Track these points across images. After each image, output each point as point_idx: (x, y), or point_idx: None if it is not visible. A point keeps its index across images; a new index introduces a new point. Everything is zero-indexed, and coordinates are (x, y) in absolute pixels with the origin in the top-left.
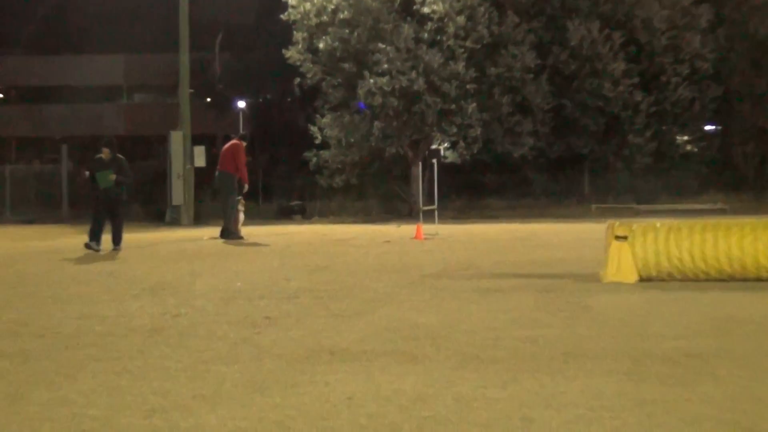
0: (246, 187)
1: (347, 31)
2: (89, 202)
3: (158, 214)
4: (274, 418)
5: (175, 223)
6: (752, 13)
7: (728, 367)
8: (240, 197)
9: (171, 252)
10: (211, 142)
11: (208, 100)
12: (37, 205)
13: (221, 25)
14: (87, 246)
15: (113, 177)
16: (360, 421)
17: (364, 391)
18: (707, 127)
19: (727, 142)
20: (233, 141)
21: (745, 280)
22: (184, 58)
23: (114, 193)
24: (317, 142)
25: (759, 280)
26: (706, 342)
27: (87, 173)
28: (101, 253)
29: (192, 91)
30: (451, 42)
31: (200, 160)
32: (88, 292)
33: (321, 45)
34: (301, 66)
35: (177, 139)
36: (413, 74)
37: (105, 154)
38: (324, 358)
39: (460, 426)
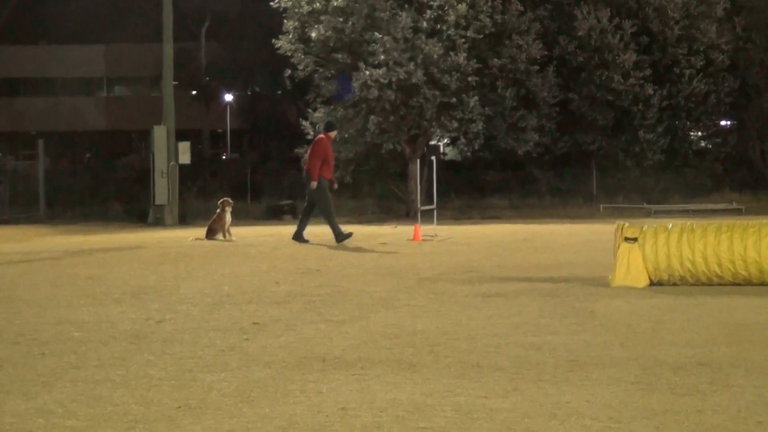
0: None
1: (341, 19)
2: (68, 202)
3: (140, 214)
4: (263, 429)
5: (159, 223)
6: None
7: (742, 376)
8: (226, 198)
9: (154, 254)
10: (196, 137)
11: (194, 92)
12: (13, 205)
13: (207, 14)
14: None
15: None
16: None
17: (358, 401)
18: (723, 123)
19: (743, 138)
20: (319, 135)
21: (762, 284)
22: (168, 49)
23: None
24: (309, 137)
25: None
26: (719, 350)
27: None
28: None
29: (176, 83)
30: (451, 32)
31: (185, 157)
32: (66, 296)
33: (313, 34)
34: (292, 57)
35: (160, 135)
36: (411, 66)
37: None
38: (316, 366)
39: None
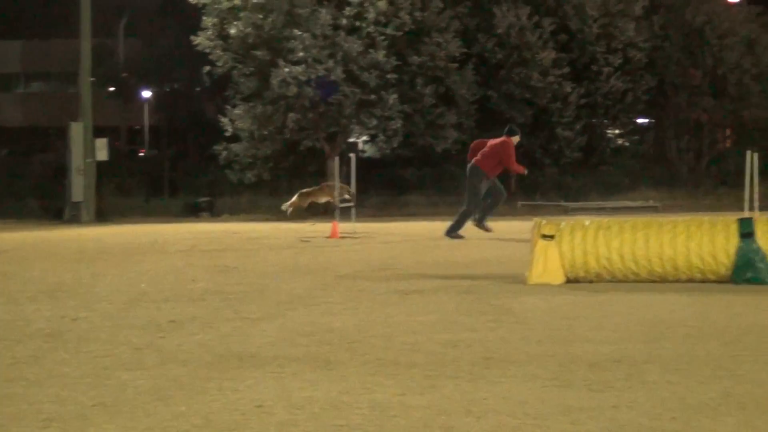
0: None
1: (261, 16)
2: None
3: (57, 211)
4: (179, 428)
5: (75, 220)
6: (688, 0)
7: (658, 372)
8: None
9: (70, 251)
10: (114, 133)
11: (111, 89)
12: None
13: (126, 10)
14: None
15: None
16: (270, 431)
17: (274, 398)
18: (640, 121)
19: (660, 136)
20: (502, 138)
21: (677, 281)
22: (86, 44)
23: None
24: (227, 134)
25: (691, 281)
26: (635, 346)
27: None
28: None
29: (94, 79)
30: (371, 29)
31: (102, 154)
32: None
33: (232, 31)
34: (210, 53)
35: (77, 131)
36: (331, 63)
37: None
38: (232, 363)
39: None
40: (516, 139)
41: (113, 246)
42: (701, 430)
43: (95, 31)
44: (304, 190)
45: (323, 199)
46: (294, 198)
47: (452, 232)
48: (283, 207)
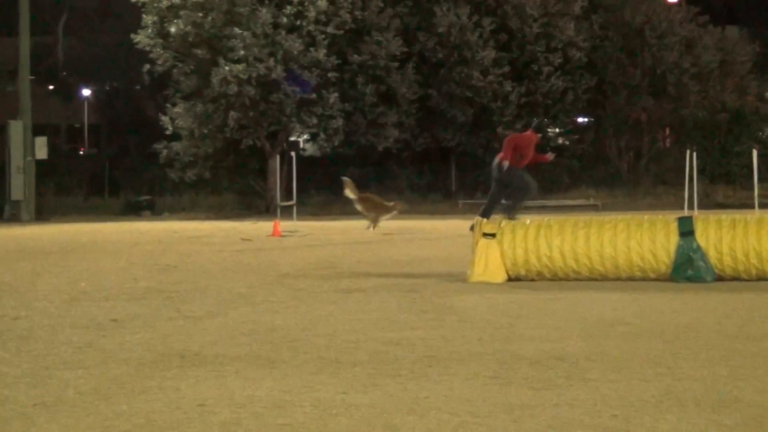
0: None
1: (200, 14)
2: None
3: None
4: (120, 427)
5: (15, 219)
6: (627, 0)
7: (598, 370)
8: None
9: (9, 250)
10: (54, 132)
11: (51, 87)
12: None
13: (65, 7)
14: None
15: None
16: (212, 430)
17: (216, 397)
18: (580, 119)
19: (600, 135)
20: (527, 132)
21: (617, 279)
22: (25, 43)
23: None
24: (168, 133)
25: (631, 279)
26: (576, 344)
27: None
28: None
29: (33, 77)
30: (311, 27)
31: (42, 152)
32: None
33: (172, 29)
34: (150, 52)
35: (16, 130)
36: (271, 61)
37: None
38: (174, 362)
39: None
40: (533, 134)
41: (53, 245)
42: (642, 427)
43: (34, 29)
44: (369, 200)
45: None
46: (370, 214)
47: (510, 213)
48: (370, 228)
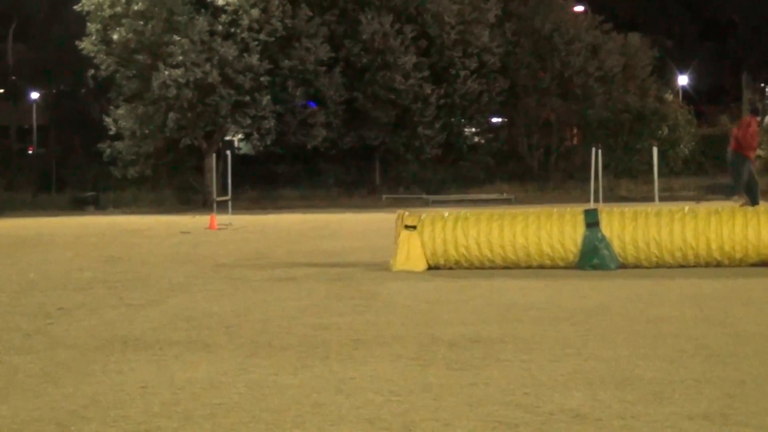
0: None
1: (142, 22)
2: None
3: None
4: (67, 408)
5: None
6: (537, 9)
7: (511, 351)
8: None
9: None
10: (4, 133)
11: (1, 91)
12: None
13: (15, 15)
14: None
15: None
16: (153, 410)
17: (157, 379)
18: (494, 120)
19: (513, 134)
20: (745, 118)
21: (528, 267)
22: None
23: None
24: (111, 133)
25: (542, 267)
26: (490, 328)
27: None
28: None
29: None
30: (245, 35)
31: None
32: None
33: (115, 36)
34: (95, 57)
35: None
36: (208, 66)
37: None
38: (117, 347)
39: (251, 412)
40: (754, 118)
41: (3, 238)
42: (552, 403)
43: None
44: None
45: None
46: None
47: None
48: None
